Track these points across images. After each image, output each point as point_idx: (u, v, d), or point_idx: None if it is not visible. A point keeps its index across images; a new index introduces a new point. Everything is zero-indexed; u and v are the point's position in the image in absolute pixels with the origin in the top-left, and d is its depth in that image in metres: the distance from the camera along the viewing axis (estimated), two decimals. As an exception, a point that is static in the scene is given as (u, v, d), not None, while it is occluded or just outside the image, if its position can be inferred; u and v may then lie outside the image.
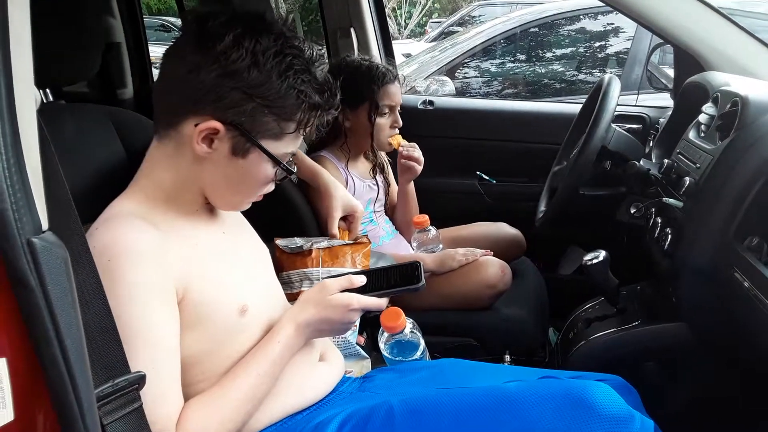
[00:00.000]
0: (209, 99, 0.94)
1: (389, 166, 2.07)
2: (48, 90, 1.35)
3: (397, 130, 1.91)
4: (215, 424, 0.94)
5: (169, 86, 0.98)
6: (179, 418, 0.92)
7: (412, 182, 2.00)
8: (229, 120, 0.95)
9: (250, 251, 1.16)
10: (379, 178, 2.00)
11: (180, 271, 0.95)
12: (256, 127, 0.97)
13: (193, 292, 0.96)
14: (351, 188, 1.86)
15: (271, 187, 1.08)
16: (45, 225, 0.63)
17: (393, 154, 2.00)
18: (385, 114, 1.87)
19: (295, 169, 1.06)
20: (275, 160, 1.01)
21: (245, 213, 1.21)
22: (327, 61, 1.05)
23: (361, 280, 1.10)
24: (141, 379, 0.83)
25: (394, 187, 2.09)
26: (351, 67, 1.90)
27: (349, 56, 1.99)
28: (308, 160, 1.64)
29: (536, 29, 4.74)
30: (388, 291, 1.12)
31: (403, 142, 1.94)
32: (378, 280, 1.13)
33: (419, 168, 1.94)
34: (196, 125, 0.95)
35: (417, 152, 1.93)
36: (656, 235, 1.43)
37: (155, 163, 1.02)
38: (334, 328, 1.10)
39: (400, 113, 1.93)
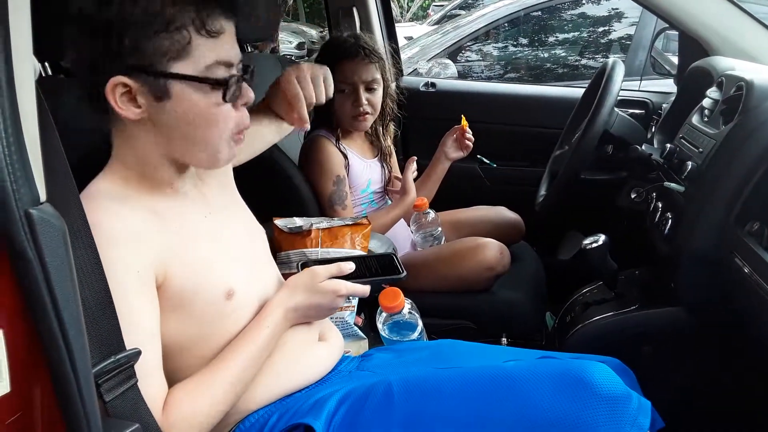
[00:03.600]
0: (101, 63, 0.87)
1: (394, 155, 2.02)
2: (47, 64, 1.34)
3: (365, 109, 1.80)
4: (205, 407, 0.94)
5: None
6: (169, 401, 0.92)
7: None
8: (125, 66, 0.86)
9: (238, 233, 1.11)
10: (383, 162, 1.96)
11: (159, 255, 0.92)
12: (153, 57, 0.87)
13: (174, 277, 0.94)
14: (348, 163, 1.82)
15: (243, 119, 0.98)
16: (43, 197, 0.63)
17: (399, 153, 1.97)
18: (342, 91, 1.77)
19: (251, 76, 0.95)
20: (198, 80, 0.89)
21: (244, 193, 1.20)
22: None
23: (350, 267, 1.10)
24: (137, 355, 0.83)
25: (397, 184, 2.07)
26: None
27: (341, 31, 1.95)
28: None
29: (539, 13, 4.71)
30: (372, 279, 1.14)
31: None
32: (359, 268, 1.14)
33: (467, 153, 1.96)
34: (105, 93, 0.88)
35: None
36: (656, 219, 1.43)
37: (117, 145, 0.97)
38: (320, 314, 1.12)
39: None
